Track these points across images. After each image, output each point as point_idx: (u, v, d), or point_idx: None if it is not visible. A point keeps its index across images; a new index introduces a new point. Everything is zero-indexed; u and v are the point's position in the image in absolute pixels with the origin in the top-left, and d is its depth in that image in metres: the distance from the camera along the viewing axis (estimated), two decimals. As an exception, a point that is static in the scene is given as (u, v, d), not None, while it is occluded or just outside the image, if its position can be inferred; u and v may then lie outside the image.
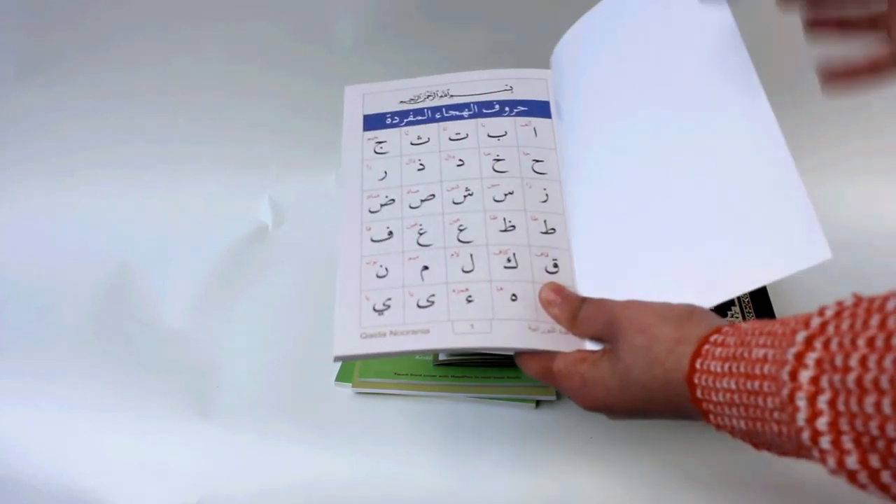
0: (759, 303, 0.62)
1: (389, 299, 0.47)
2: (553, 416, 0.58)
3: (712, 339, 0.36)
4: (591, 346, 0.44)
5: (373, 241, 0.50)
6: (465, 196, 0.51)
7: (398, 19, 0.75)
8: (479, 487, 0.54)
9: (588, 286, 0.47)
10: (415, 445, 0.56)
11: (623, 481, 0.53)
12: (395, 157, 0.54)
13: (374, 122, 0.56)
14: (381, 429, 0.58)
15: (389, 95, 0.57)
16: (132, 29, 0.76)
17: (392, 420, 0.58)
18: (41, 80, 0.78)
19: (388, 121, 0.56)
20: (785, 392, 0.30)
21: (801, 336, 0.30)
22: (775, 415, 0.31)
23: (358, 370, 0.61)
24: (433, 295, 0.46)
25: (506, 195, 0.50)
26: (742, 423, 0.34)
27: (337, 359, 0.45)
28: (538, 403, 0.59)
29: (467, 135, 0.54)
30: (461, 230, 0.49)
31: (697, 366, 0.35)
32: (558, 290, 0.46)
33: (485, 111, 0.55)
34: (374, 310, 0.46)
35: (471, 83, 0.57)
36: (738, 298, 0.62)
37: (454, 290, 0.46)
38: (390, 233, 0.50)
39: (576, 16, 0.69)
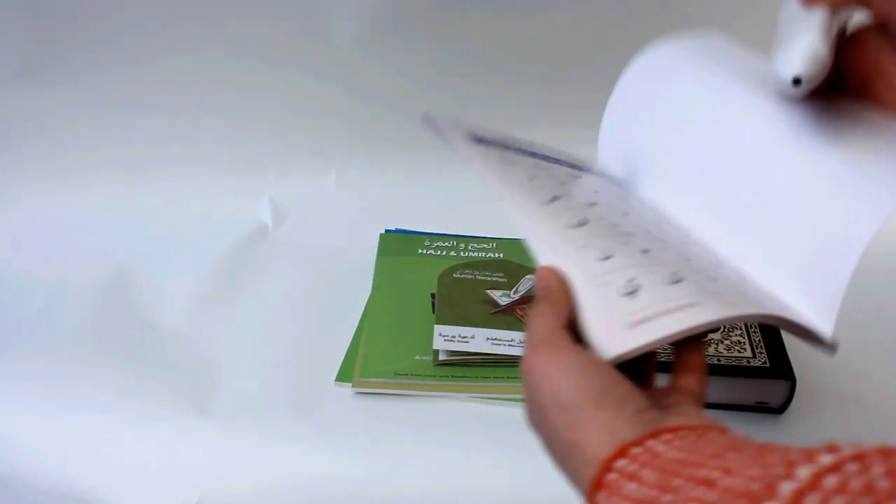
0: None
1: (633, 279, 0.38)
2: (553, 416, 0.58)
3: (619, 466, 0.28)
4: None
5: (571, 226, 0.41)
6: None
7: (399, 19, 0.75)
8: (480, 487, 0.54)
9: None
10: (415, 445, 0.56)
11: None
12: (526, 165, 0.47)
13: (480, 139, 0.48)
14: (381, 429, 0.58)
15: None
16: (132, 29, 0.76)
17: (392, 420, 0.58)
18: (41, 80, 0.78)
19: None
20: None
21: (786, 488, 0.23)
22: None
23: (358, 370, 0.61)
24: (677, 273, 0.38)
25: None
26: None
27: (613, 360, 0.35)
28: (538, 403, 0.59)
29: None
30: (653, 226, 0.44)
31: (599, 500, 0.28)
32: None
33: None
34: (622, 294, 0.37)
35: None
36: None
37: (694, 270, 0.39)
38: (582, 221, 0.42)
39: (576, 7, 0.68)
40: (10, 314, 0.71)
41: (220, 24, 0.76)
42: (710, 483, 0.25)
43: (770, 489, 0.23)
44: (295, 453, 0.56)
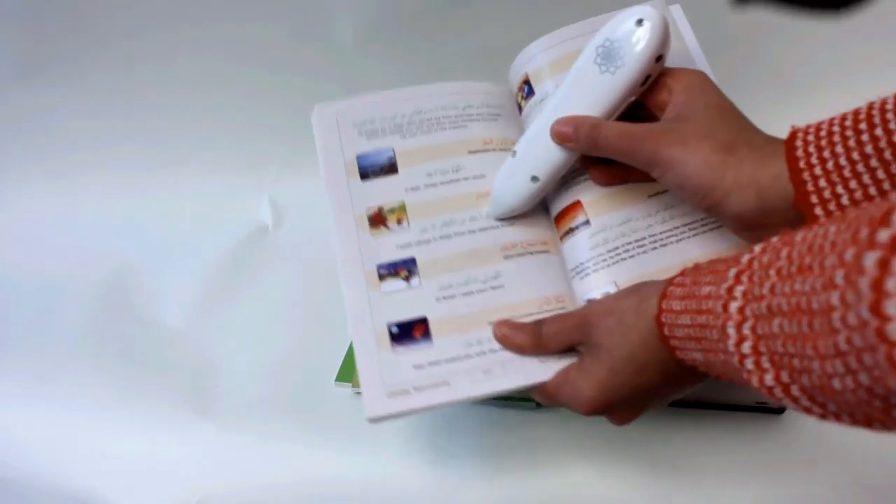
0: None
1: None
2: (553, 416, 0.58)
3: (676, 280, 0.39)
4: (566, 361, 0.44)
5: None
6: None
7: (398, 19, 0.75)
8: (479, 488, 0.54)
9: None
10: (414, 445, 0.56)
11: (623, 481, 0.53)
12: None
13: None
14: (381, 429, 0.58)
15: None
16: (132, 29, 0.76)
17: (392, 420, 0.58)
18: (41, 80, 0.78)
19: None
20: (719, 323, 0.33)
21: (732, 272, 0.33)
22: (720, 345, 0.34)
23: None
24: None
25: None
26: (700, 356, 0.36)
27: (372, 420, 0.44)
28: (538, 404, 0.59)
29: None
30: None
31: (664, 306, 0.38)
32: (509, 322, 0.46)
33: None
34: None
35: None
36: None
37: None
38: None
39: (577, 13, 0.69)
40: (10, 313, 0.71)
41: (220, 25, 0.76)
42: (715, 272, 0.36)
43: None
44: (295, 453, 0.57)
